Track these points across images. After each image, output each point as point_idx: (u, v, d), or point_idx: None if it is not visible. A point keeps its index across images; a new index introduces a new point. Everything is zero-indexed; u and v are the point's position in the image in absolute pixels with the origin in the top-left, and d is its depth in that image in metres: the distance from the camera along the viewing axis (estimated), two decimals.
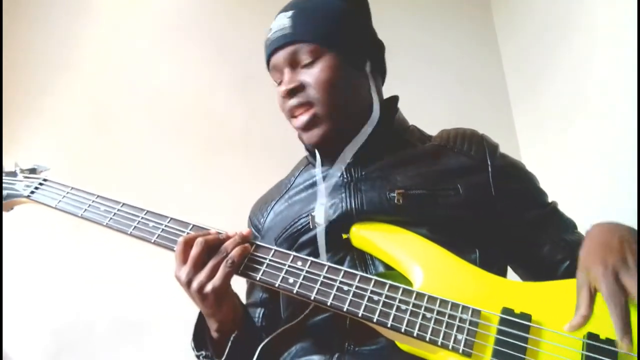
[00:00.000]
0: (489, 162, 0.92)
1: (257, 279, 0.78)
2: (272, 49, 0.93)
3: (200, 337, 0.87)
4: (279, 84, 0.94)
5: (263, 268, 0.79)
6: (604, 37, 1.59)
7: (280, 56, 0.92)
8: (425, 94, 2.02)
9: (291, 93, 0.90)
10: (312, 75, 0.90)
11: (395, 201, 0.84)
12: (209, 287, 0.76)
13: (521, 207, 0.91)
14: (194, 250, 0.78)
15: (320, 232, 0.85)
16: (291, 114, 0.92)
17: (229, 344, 0.81)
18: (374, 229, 0.83)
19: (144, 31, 2.11)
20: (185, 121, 1.99)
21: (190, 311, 0.87)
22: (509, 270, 0.96)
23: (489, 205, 0.88)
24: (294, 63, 0.91)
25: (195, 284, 0.76)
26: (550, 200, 0.96)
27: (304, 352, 0.81)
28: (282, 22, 0.92)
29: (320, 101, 0.89)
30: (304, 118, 0.90)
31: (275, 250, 0.80)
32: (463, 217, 0.85)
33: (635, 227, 0.74)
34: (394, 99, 1.03)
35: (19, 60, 1.97)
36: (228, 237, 0.81)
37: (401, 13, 2.18)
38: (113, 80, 2.02)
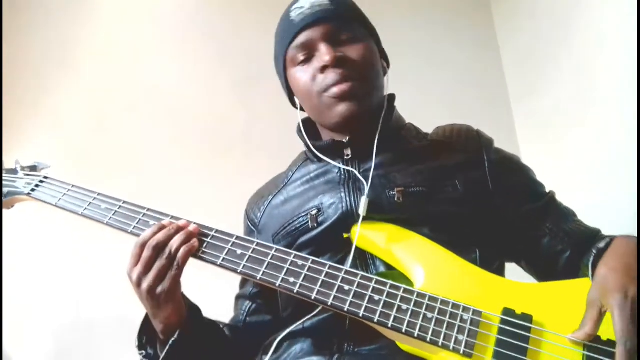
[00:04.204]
0: (485, 157, 0.92)
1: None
2: (307, 24, 0.90)
3: (149, 337, 0.87)
4: (304, 61, 0.92)
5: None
6: (604, 36, 1.59)
7: (318, 31, 0.90)
8: (424, 94, 2.01)
9: (338, 63, 0.87)
10: (356, 52, 0.89)
11: (395, 199, 0.84)
12: (159, 290, 0.79)
13: (519, 199, 0.91)
14: (145, 254, 0.79)
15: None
16: (331, 84, 0.88)
17: (167, 347, 0.81)
18: (375, 229, 0.83)
19: (145, 31, 2.10)
20: (185, 121, 1.98)
21: None
22: (512, 270, 0.96)
23: (488, 199, 0.89)
24: (332, 39, 0.90)
25: (145, 285, 0.78)
26: (547, 190, 0.96)
27: (304, 353, 0.80)
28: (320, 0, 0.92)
29: (361, 78, 0.89)
30: (344, 87, 0.87)
31: (276, 249, 0.80)
32: (463, 213, 0.85)
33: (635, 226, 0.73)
34: (391, 97, 1.02)
35: (19, 59, 1.97)
36: (180, 229, 0.82)
37: (401, 12, 2.18)
38: (113, 80, 2.02)
